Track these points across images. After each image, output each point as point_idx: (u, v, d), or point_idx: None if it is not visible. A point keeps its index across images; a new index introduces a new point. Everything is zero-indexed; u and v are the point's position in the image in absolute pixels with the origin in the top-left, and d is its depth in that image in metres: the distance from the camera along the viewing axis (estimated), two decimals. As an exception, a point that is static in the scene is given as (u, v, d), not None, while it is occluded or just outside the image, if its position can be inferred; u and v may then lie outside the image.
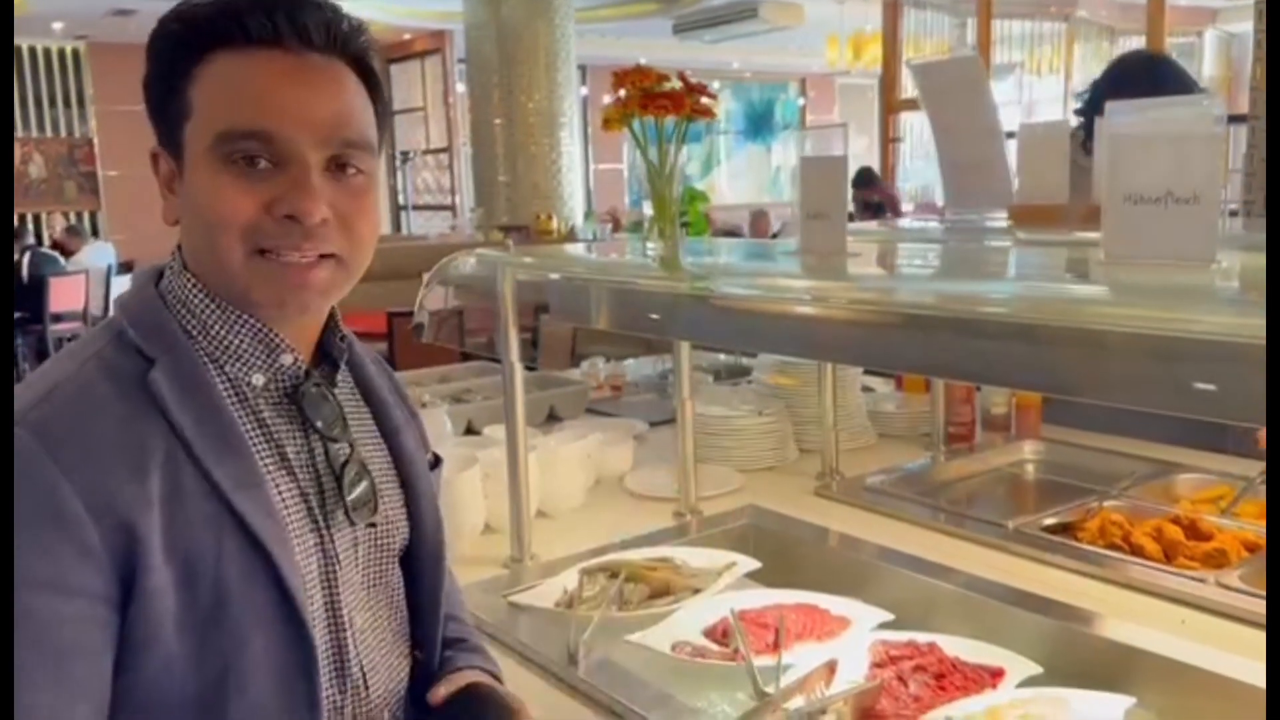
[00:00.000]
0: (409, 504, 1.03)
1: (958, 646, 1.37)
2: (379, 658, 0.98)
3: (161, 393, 0.84)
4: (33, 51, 11.56)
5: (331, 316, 0.98)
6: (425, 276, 1.99)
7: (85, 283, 9.03)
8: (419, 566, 1.04)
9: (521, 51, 8.32)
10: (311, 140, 0.86)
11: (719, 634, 1.41)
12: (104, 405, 0.83)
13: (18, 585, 0.76)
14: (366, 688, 0.95)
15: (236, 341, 0.90)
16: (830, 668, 1.26)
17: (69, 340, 9.25)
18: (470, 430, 2.45)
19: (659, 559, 1.64)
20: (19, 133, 11.56)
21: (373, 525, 0.97)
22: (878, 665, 1.33)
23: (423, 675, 1.05)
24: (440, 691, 1.01)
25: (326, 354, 0.98)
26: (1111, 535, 1.69)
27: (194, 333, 0.89)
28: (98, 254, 9.67)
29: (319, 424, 0.93)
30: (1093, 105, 2.39)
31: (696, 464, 1.94)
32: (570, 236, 8.20)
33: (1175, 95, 2.17)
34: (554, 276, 1.75)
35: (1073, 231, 1.81)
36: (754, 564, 1.63)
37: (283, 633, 0.86)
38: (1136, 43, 6.72)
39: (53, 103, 11.76)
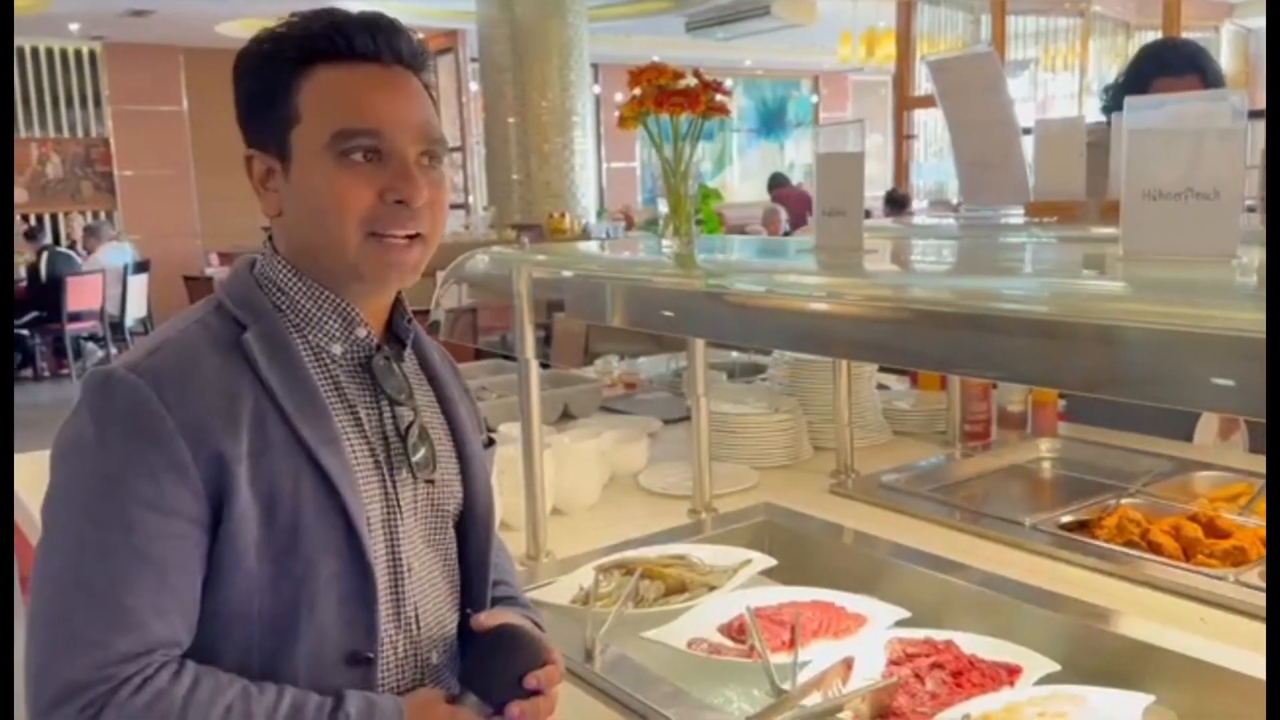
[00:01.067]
0: (463, 472, 1.14)
1: (975, 644, 1.36)
2: (430, 604, 1.09)
3: (253, 352, 0.98)
4: (49, 52, 11.62)
5: (399, 301, 1.10)
6: (440, 275, 2.00)
7: (102, 282, 9.09)
8: (471, 530, 1.15)
9: (534, 50, 8.32)
10: (409, 139, 1.00)
11: (735, 631, 1.42)
12: (203, 358, 0.96)
13: (126, 502, 0.90)
14: (418, 627, 1.06)
15: (319, 314, 1.04)
16: (847, 665, 1.26)
17: (86, 340, 9.33)
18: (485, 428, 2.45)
19: (674, 556, 1.64)
20: (36, 133, 11.64)
21: (430, 482, 1.08)
22: (894, 663, 1.32)
23: (471, 633, 1.11)
24: (483, 619, 1.09)
25: (394, 334, 1.10)
26: (1129, 533, 1.68)
27: (282, 307, 1.03)
28: (114, 254, 9.74)
29: (388, 390, 1.05)
30: (1125, 93, 2.34)
31: (711, 462, 1.94)
32: (583, 235, 8.20)
33: (1209, 79, 2.14)
34: (570, 274, 1.75)
35: (1090, 227, 1.81)
36: (769, 561, 1.63)
37: (348, 563, 0.98)
38: (1152, 37, 6.68)
39: (69, 103, 11.82)
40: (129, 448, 0.91)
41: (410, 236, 1.01)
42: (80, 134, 11.91)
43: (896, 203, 7.86)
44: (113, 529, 0.90)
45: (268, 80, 1.01)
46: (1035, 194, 1.98)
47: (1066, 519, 1.78)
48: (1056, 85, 8.09)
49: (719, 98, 1.49)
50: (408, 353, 1.11)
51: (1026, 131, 2.09)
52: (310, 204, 1.01)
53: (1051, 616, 1.46)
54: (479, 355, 3.37)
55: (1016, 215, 2.05)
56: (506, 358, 3.20)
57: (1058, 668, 1.30)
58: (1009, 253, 1.80)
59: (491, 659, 1.04)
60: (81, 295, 8.90)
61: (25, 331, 6.88)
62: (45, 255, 9.17)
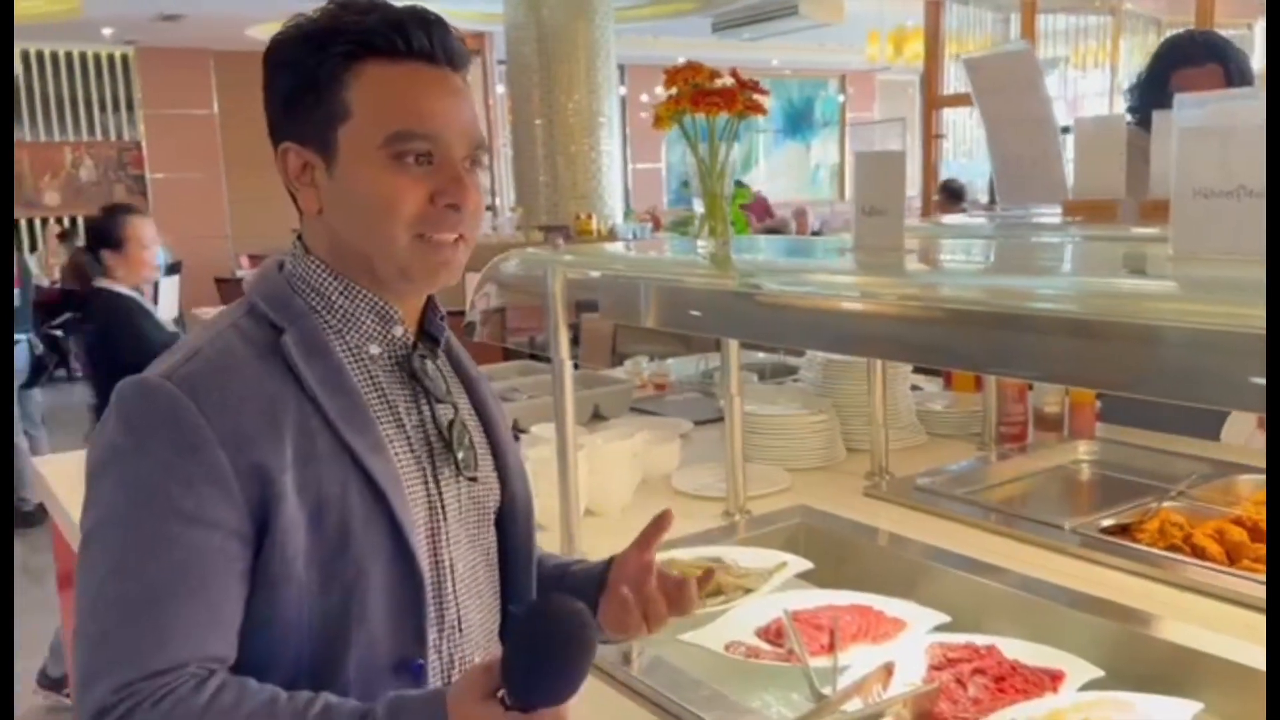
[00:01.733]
0: (499, 468, 1.13)
1: (1017, 649, 1.35)
2: (473, 605, 1.08)
3: (292, 355, 0.96)
4: (83, 56, 11.76)
5: (431, 300, 1.09)
6: (469, 276, 1.99)
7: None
8: (512, 526, 1.14)
9: (561, 52, 8.32)
10: (459, 142, 1.00)
11: (772, 634, 1.40)
12: (242, 364, 0.94)
13: (165, 515, 0.88)
14: (461, 631, 1.05)
15: (356, 313, 1.02)
16: (887, 670, 1.25)
17: (118, 340, 9.41)
18: (516, 429, 2.45)
19: (709, 558, 1.63)
20: (70, 137, 11.78)
21: (474, 480, 1.07)
22: (935, 668, 1.31)
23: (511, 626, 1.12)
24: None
25: (427, 333, 1.09)
26: (1172, 536, 1.66)
27: (317, 308, 1.01)
28: (146, 255, 9.82)
29: (430, 388, 1.04)
30: (1147, 89, 2.31)
31: (744, 463, 1.93)
32: (610, 236, 8.19)
33: (1230, 68, 2.11)
34: (608, 275, 1.74)
35: (1131, 227, 1.78)
36: (806, 564, 1.62)
37: (396, 569, 0.97)
38: (1186, 36, 6.57)
39: (102, 107, 11.96)
40: (166, 459, 0.89)
41: (455, 238, 1.01)
42: (113, 137, 12.04)
43: (953, 194, 7.76)
44: (150, 543, 0.88)
45: (312, 72, 0.97)
46: (1073, 193, 1.96)
47: (1107, 522, 1.76)
48: (1087, 84, 8.00)
49: (755, 97, 1.47)
50: (441, 350, 1.10)
51: (1065, 130, 2.07)
52: (358, 203, 0.98)
53: (1094, 621, 1.43)
54: (507, 356, 3.37)
55: (1053, 215, 2.02)
56: (534, 358, 3.21)
57: (1101, 674, 1.29)
58: (1048, 252, 1.78)
59: (522, 653, 0.97)
60: (114, 297, 8.98)
61: (59, 332, 6.97)
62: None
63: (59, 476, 2.31)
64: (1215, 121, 0.99)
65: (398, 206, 0.97)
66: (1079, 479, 2.17)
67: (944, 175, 8.34)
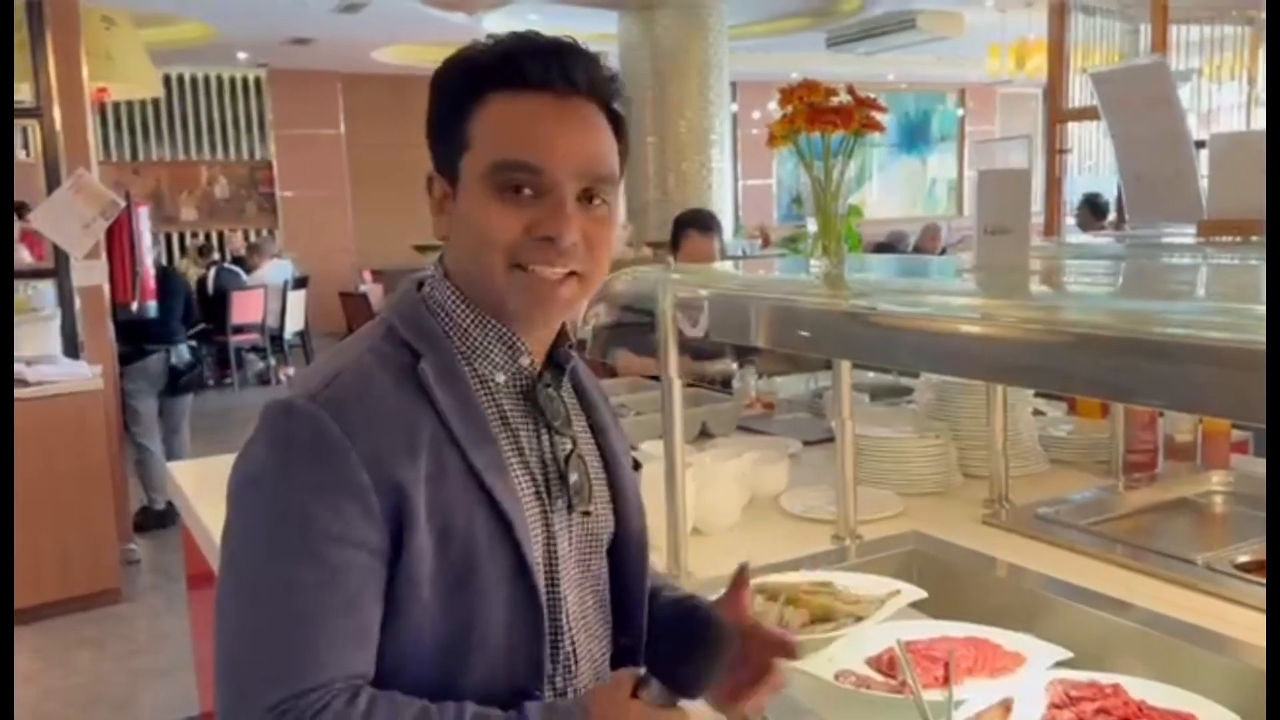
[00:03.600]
0: (614, 500, 1.11)
1: (1144, 689, 1.28)
2: (584, 638, 1.07)
3: (429, 381, 0.97)
4: (219, 79, 12.37)
5: (563, 327, 1.08)
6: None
7: (264, 297, 9.59)
8: (625, 558, 1.13)
9: (675, 70, 8.37)
10: (570, 173, 0.97)
11: (884, 665, 1.37)
12: (383, 388, 0.96)
13: (311, 535, 0.89)
14: (575, 661, 1.04)
15: (486, 343, 1.02)
16: (1006, 706, 1.21)
17: (248, 351, 9.84)
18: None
19: (819, 583, 1.60)
20: (206, 156, 12.39)
21: (587, 514, 1.06)
22: (1056, 706, 1.25)
23: (628, 661, 1.11)
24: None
25: (554, 360, 1.08)
26: (1316, 576, 1.56)
27: (451, 333, 1.02)
28: (276, 271, 10.26)
29: (550, 419, 1.04)
30: None
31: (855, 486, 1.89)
32: (721, 253, 8.17)
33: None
34: (712, 293, 1.74)
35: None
36: (919, 593, 1.57)
37: (518, 596, 0.97)
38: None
39: (236, 127, 12.55)
40: (313, 479, 0.90)
41: (564, 274, 0.99)
42: (245, 156, 12.62)
43: (1098, 209, 7.46)
44: (297, 563, 0.89)
45: (449, 104, 1.00)
46: (1209, 211, 1.86)
47: (1243, 558, 1.66)
48: (1221, 97, 7.64)
49: (873, 114, 1.45)
50: (565, 380, 1.09)
51: (1199, 145, 1.97)
52: (466, 232, 1.00)
53: (1228, 663, 1.36)
54: (613, 372, 3.39)
55: (1187, 234, 1.93)
56: (646, 376, 3.22)
57: (1237, 719, 1.21)
58: (1182, 273, 1.70)
59: (678, 641, 1.01)
60: (245, 309, 9.41)
61: (194, 343, 7.34)
62: (213, 271, 9.73)
63: (191, 481, 2.42)
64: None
65: (491, 236, 0.97)
66: (1212, 511, 2.06)
67: (1069, 191, 8.07)
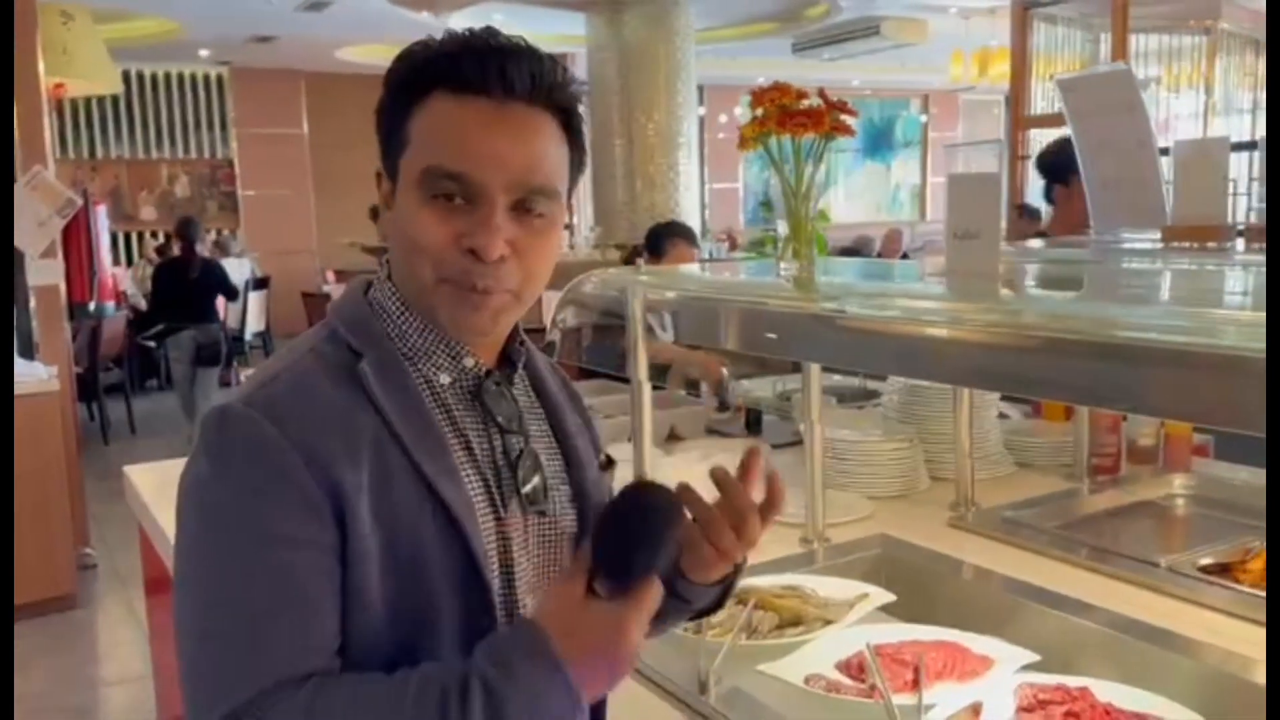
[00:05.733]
0: (579, 507, 1.08)
1: (1111, 692, 1.29)
2: None
3: (369, 381, 0.95)
4: (180, 76, 12.21)
5: (516, 327, 1.05)
6: (548, 295, 2.00)
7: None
8: None
9: (642, 73, 8.37)
10: (502, 184, 0.93)
11: (854, 668, 1.37)
12: (320, 388, 0.94)
13: (256, 540, 0.87)
14: None
15: (427, 346, 1.00)
16: (975, 710, 1.21)
17: (207, 351, 9.69)
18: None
19: (787, 587, 1.60)
20: (166, 154, 12.22)
21: (542, 514, 1.03)
22: (1025, 709, 1.26)
23: None
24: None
25: (507, 357, 1.05)
26: (1277, 578, 1.58)
27: (393, 335, 0.99)
28: (236, 270, 10.11)
29: (499, 418, 1.01)
30: None
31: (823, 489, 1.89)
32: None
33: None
34: (682, 296, 1.73)
35: (1234, 253, 1.71)
36: (888, 596, 1.58)
37: (470, 598, 0.94)
38: (1288, 54, 6.33)
39: (197, 126, 12.40)
40: (253, 482, 0.88)
41: (492, 288, 0.95)
42: (207, 155, 12.47)
43: (1031, 215, 7.58)
44: (245, 568, 0.87)
45: (393, 101, 0.97)
46: (1173, 217, 1.89)
47: (1205, 560, 1.68)
48: (1180, 105, 7.76)
49: (843, 117, 1.45)
50: (519, 377, 1.06)
51: (1162, 152, 2.00)
52: (401, 237, 0.97)
53: (1192, 665, 1.37)
54: (584, 375, 3.38)
55: (1150, 239, 1.96)
56: (612, 378, 3.21)
57: (1202, 721, 1.22)
58: (1147, 278, 1.72)
59: (619, 529, 0.93)
60: (205, 309, 9.28)
61: (153, 343, 7.24)
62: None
63: (149, 485, 2.37)
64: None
65: (421, 243, 0.94)
66: (1174, 514, 2.08)
67: (1030, 196, 8.18)
